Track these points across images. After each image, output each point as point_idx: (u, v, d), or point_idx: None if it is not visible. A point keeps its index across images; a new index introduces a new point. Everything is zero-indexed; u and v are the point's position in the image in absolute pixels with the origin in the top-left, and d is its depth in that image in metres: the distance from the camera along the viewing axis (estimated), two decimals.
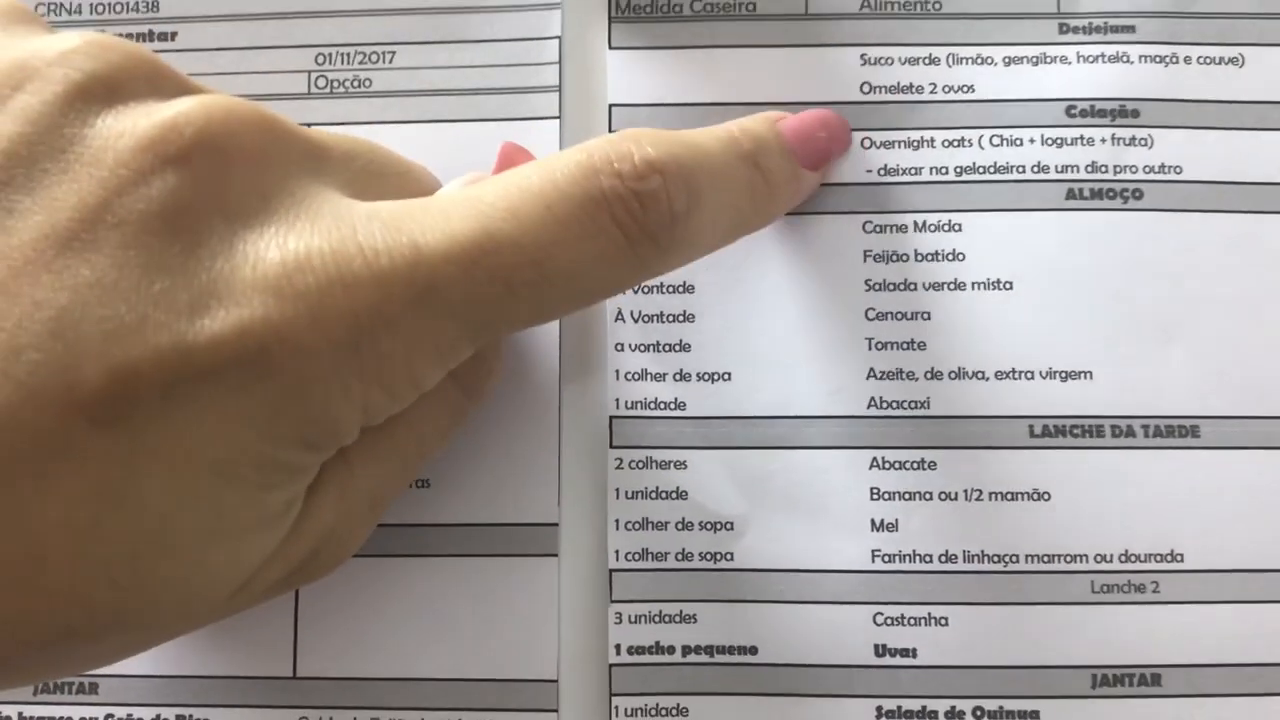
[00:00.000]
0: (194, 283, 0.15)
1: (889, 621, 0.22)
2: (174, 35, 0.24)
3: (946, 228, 0.23)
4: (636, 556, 0.22)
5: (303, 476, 0.17)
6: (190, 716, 0.22)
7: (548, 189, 0.17)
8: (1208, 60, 0.23)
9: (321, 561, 0.19)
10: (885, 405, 0.23)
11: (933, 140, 0.23)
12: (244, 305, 0.15)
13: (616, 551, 0.22)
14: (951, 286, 0.23)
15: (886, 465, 0.22)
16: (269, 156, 0.16)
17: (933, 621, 0.22)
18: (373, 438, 0.18)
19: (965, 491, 0.22)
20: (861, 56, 0.24)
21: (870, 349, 0.23)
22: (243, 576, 0.17)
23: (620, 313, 0.23)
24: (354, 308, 0.15)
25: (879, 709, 0.22)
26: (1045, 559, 0.22)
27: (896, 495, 0.22)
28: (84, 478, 0.14)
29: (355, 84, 0.24)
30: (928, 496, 0.22)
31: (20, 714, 0.23)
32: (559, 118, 0.24)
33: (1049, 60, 0.24)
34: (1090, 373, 0.23)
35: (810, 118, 0.22)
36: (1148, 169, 0.23)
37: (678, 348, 0.23)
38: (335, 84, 0.24)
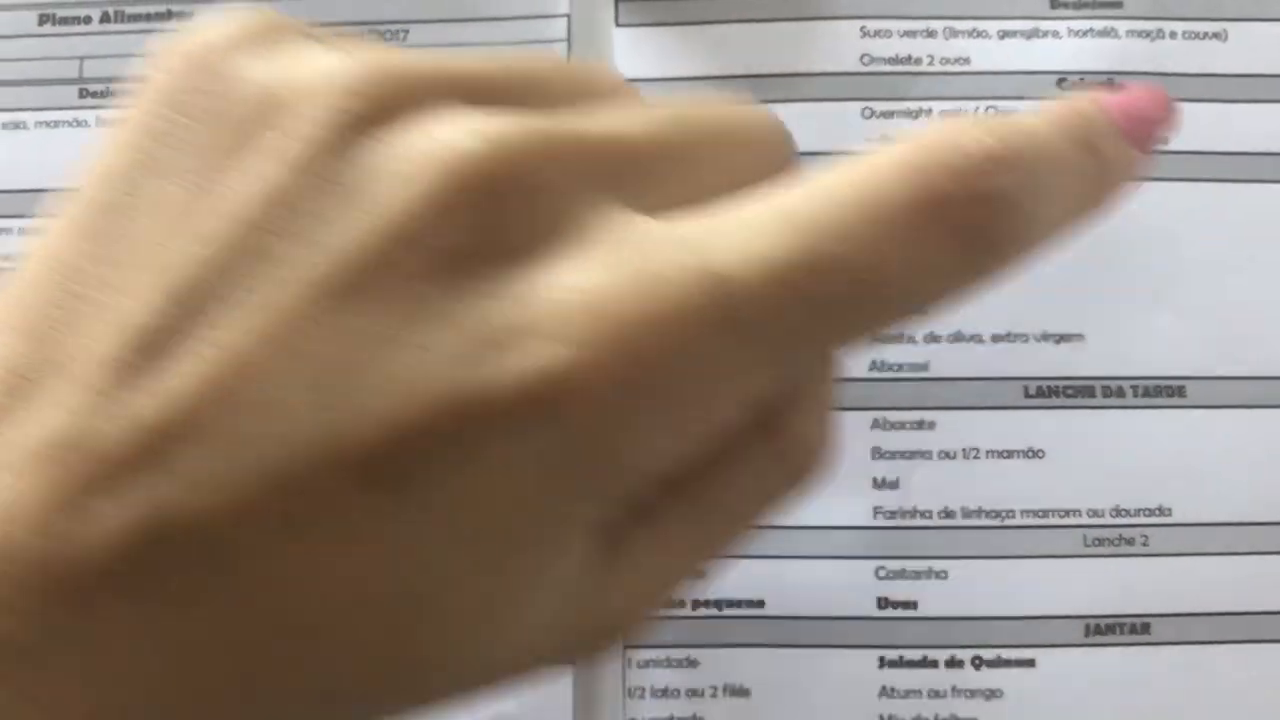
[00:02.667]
0: (479, 330, 0.14)
1: (890, 575, 0.23)
2: (192, 15, 0.25)
3: None
4: None
5: (594, 536, 0.15)
6: None
7: (874, 195, 0.14)
8: (1192, 35, 0.24)
9: (605, 636, 0.17)
10: (886, 368, 0.23)
11: (930, 110, 0.24)
12: (535, 350, 0.14)
13: None
14: None
15: (888, 425, 0.23)
16: (554, 186, 0.14)
17: (932, 575, 0.23)
18: (678, 507, 0.17)
19: (963, 450, 0.23)
20: (861, 29, 0.24)
21: None
22: (523, 644, 0.15)
23: None
24: (653, 347, 0.14)
25: (881, 659, 0.23)
26: (1039, 514, 0.23)
27: (897, 454, 0.23)
28: (359, 544, 0.13)
29: None
30: (927, 455, 0.23)
31: None
32: None
33: (1041, 34, 0.24)
34: (1082, 335, 0.24)
35: (1140, 94, 0.18)
36: None
37: None
38: None
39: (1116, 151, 0.17)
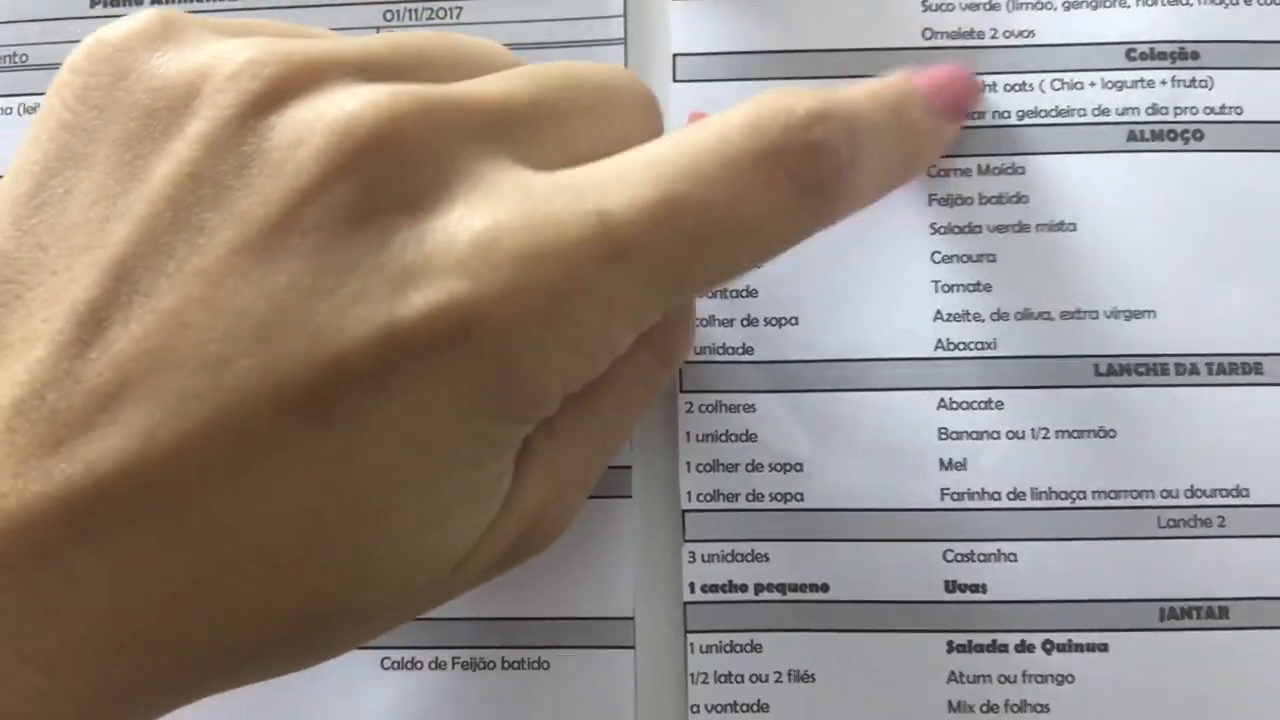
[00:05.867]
0: (388, 274, 0.15)
1: (959, 558, 0.22)
2: None
3: (1010, 170, 0.23)
4: (708, 497, 0.23)
5: (509, 450, 0.17)
6: None
7: (724, 147, 0.17)
8: (1268, 1, 0.23)
9: (536, 539, 0.19)
10: (952, 346, 0.23)
11: (994, 84, 0.24)
12: (440, 286, 0.15)
13: (689, 493, 0.23)
14: (1016, 229, 0.23)
15: (954, 405, 0.23)
16: (442, 142, 0.16)
17: (1002, 558, 0.22)
18: (577, 412, 0.19)
19: (1032, 430, 0.23)
20: (923, 2, 0.24)
21: (936, 291, 0.23)
22: (460, 553, 0.17)
23: None
24: (548, 278, 0.15)
25: (950, 643, 0.22)
26: (1112, 495, 0.23)
27: (965, 435, 0.23)
28: (302, 474, 0.15)
29: None
30: (995, 435, 0.23)
31: None
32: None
33: (1108, 4, 0.24)
34: (1154, 312, 0.23)
35: (945, 70, 0.22)
36: (1208, 110, 0.23)
37: (745, 293, 0.23)
38: None
39: (924, 119, 0.21)
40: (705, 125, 0.17)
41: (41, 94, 0.23)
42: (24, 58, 0.24)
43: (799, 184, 0.17)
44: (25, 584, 0.15)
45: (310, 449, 0.15)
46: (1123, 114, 0.23)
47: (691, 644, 0.23)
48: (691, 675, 0.22)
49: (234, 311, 0.15)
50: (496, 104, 0.17)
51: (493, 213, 0.16)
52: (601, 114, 0.18)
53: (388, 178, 0.16)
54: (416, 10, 0.24)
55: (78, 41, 0.24)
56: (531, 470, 0.18)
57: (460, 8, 0.24)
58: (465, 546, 0.17)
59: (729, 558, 0.23)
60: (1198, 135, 0.23)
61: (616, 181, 0.16)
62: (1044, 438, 0.23)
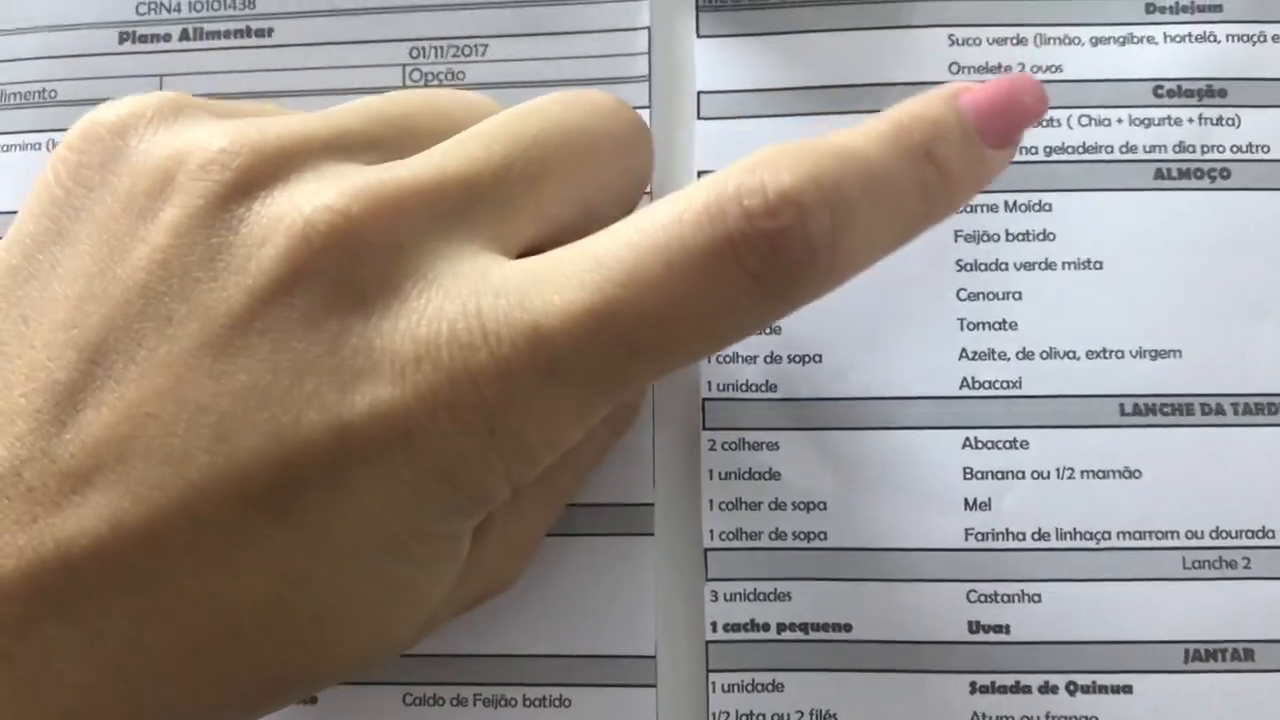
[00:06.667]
0: (339, 377, 0.16)
1: (982, 599, 0.22)
2: (270, 31, 0.25)
3: (1036, 207, 0.23)
4: (731, 536, 0.23)
5: (464, 538, 0.18)
6: None
7: (671, 242, 0.16)
8: None
9: (493, 590, 0.21)
10: (977, 385, 0.23)
11: None
12: (383, 391, 0.16)
13: (711, 531, 0.23)
14: (1042, 266, 0.23)
15: (979, 445, 0.23)
16: (399, 240, 0.16)
17: (1026, 598, 0.22)
18: (534, 485, 0.19)
19: (1057, 470, 0.23)
20: (949, 37, 0.24)
21: (962, 329, 0.23)
22: (420, 623, 0.18)
23: None
24: (482, 397, 0.16)
25: (973, 684, 0.22)
26: (1136, 535, 0.22)
27: (989, 474, 0.23)
28: (266, 563, 0.16)
29: (449, 77, 0.24)
30: (1020, 475, 0.23)
31: None
32: (649, 107, 0.24)
33: (1136, 40, 0.24)
34: (1180, 351, 0.23)
35: (999, 88, 0.18)
36: (1235, 148, 0.23)
37: (768, 330, 0.23)
38: (429, 77, 0.24)
39: (964, 152, 0.17)
40: (665, 209, 0.16)
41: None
42: (53, 94, 0.25)
43: (757, 279, 0.16)
44: (3, 657, 0.15)
45: (269, 540, 0.16)
46: (1150, 151, 0.23)
47: (713, 683, 0.23)
48: (713, 714, 0.22)
49: (196, 406, 0.16)
50: (461, 183, 0.17)
51: (436, 319, 0.16)
52: (580, 161, 0.18)
53: (343, 279, 0.16)
54: (442, 48, 0.24)
55: (106, 78, 0.25)
56: (489, 539, 0.19)
57: (485, 45, 0.24)
58: (425, 613, 0.18)
59: (751, 596, 0.23)
60: (1225, 173, 0.23)
61: (556, 284, 0.16)
62: (1069, 478, 0.23)
